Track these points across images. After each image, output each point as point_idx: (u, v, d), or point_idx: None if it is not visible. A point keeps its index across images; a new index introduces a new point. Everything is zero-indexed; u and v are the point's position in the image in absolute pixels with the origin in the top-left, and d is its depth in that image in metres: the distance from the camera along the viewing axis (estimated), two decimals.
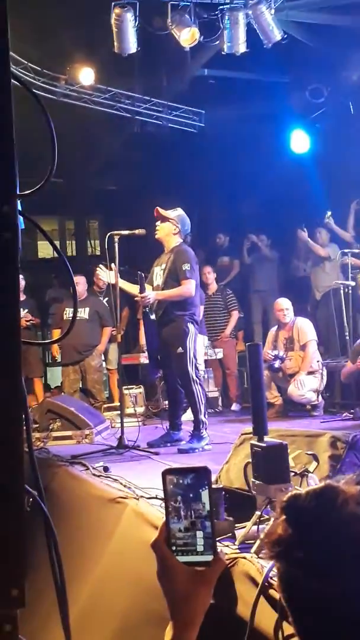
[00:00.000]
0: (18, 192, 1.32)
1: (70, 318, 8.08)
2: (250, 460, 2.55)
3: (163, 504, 1.27)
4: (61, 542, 1.61)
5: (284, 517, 1.01)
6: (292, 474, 2.59)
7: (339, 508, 0.98)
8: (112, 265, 5.45)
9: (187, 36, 7.54)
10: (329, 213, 8.38)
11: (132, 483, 3.71)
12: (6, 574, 1.15)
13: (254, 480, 2.51)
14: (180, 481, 1.17)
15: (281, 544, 1.00)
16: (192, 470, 1.18)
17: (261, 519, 2.54)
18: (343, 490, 1.00)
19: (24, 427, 1.30)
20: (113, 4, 7.54)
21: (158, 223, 5.54)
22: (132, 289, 5.51)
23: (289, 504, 1.02)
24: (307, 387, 6.76)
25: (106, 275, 5.50)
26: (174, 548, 1.16)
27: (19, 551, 1.18)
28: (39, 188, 1.62)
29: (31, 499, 1.47)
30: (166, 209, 5.57)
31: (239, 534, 2.56)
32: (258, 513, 2.48)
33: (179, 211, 5.65)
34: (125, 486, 3.71)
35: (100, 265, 5.62)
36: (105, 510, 3.60)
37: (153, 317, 5.47)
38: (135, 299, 5.54)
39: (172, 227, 5.54)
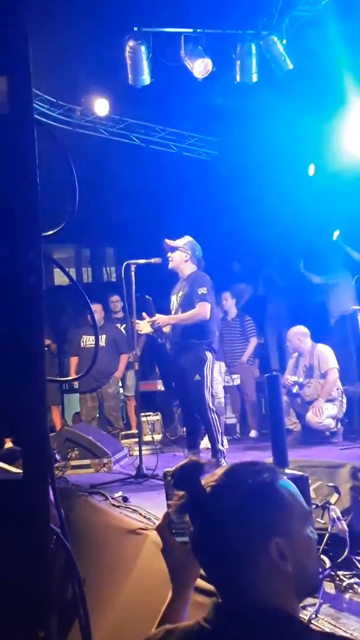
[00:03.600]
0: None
1: (88, 346, 8.17)
2: None
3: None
4: (81, 574, 1.62)
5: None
6: (314, 506, 2.58)
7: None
8: (144, 314, 5.44)
9: (200, 67, 7.64)
10: (337, 232, 8.43)
11: (152, 513, 3.70)
12: (33, 616, 1.16)
13: None
14: None
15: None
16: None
17: None
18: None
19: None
20: (127, 37, 7.67)
21: (169, 254, 5.59)
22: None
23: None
24: (325, 414, 6.72)
25: (144, 326, 5.43)
26: (173, 531, 1.52)
27: (43, 594, 1.19)
28: (61, 229, 1.65)
29: (54, 537, 1.49)
30: (176, 238, 5.62)
31: None
32: None
33: (188, 238, 5.69)
34: (144, 517, 3.70)
35: (135, 320, 5.48)
36: (125, 541, 3.58)
37: (161, 341, 5.48)
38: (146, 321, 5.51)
39: (182, 255, 5.58)
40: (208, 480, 1.32)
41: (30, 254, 1.21)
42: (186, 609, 1.55)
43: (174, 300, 5.61)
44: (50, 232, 1.56)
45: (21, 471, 1.21)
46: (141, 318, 5.45)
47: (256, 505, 1.24)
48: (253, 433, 8.26)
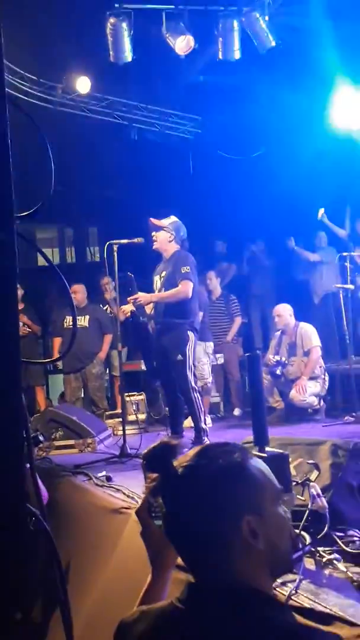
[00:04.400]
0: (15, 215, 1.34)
1: (71, 326, 8.15)
2: None
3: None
4: (64, 553, 1.64)
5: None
6: (294, 483, 2.61)
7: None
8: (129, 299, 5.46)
9: (182, 44, 7.57)
10: (322, 210, 8.44)
11: (135, 493, 3.73)
12: (9, 598, 1.17)
13: None
14: None
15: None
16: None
17: None
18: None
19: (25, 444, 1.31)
20: (108, 13, 7.57)
21: (154, 233, 5.56)
22: None
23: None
24: (309, 391, 6.77)
25: (127, 307, 5.48)
26: (152, 514, 1.53)
27: (19, 575, 1.19)
28: (37, 210, 1.64)
29: (33, 518, 1.49)
30: (161, 218, 5.60)
31: None
32: None
33: (173, 218, 5.67)
34: (128, 496, 3.72)
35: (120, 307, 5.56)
36: (108, 520, 3.61)
37: (143, 319, 5.47)
38: (127, 300, 5.52)
39: (167, 235, 5.56)
40: (180, 461, 1.33)
41: (2, 236, 1.19)
42: (166, 591, 1.57)
43: (157, 280, 5.60)
44: (25, 214, 1.54)
45: None
46: (125, 298, 5.46)
47: (227, 484, 1.25)
48: (237, 411, 8.31)
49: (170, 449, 1.35)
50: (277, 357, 6.94)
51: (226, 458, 1.28)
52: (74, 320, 2.04)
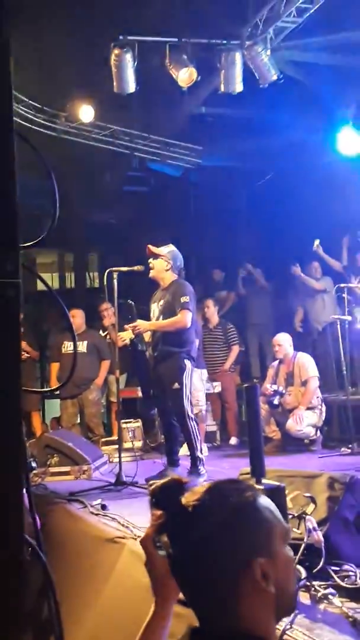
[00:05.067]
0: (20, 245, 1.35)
1: (69, 352, 8.15)
2: None
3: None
4: (57, 583, 1.62)
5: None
6: (290, 516, 2.60)
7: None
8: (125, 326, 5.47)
9: (185, 76, 7.68)
10: (317, 241, 8.48)
11: (130, 522, 3.70)
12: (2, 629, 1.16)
13: None
14: None
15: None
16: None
17: None
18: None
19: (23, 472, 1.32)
20: (112, 44, 7.69)
21: (151, 260, 5.59)
22: None
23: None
24: (305, 422, 6.75)
25: (127, 334, 5.48)
26: (157, 544, 1.48)
27: (13, 607, 1.19)
28: (39, 241, 1.66)
29: (29, 548, 1.49)
30: (160, 245, 5.63)
31: None
32: None
33: (171, 247, 5.70)
34: (123, 525, 3.70)
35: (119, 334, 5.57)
36: (102, 550, 3.58)
37: (141, 348, 5.47)
38: (126, 328, 5.53)
39: (164, 264, 5.58)
40: (189, 499, 1.29)
41: (8, 266, 1.21)
42: (168, 624, 1.54)
43: (154, 308, 5.61)
44: (30, 244, 1.56)
45: None
46: (124, 325, 5.47)
47: (240, 525, 1.23)
48: (233, 440, 8.28)
49: (180, 486, 1.33)
50: (275, 387, 6.94)
51: (237, 497, 1.26)
52: (75, 345, 2.05)
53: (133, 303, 5.60)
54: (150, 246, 5.59)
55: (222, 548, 1.21)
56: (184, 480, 1.35)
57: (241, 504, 1.25)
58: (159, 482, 1.36)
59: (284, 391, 6.92)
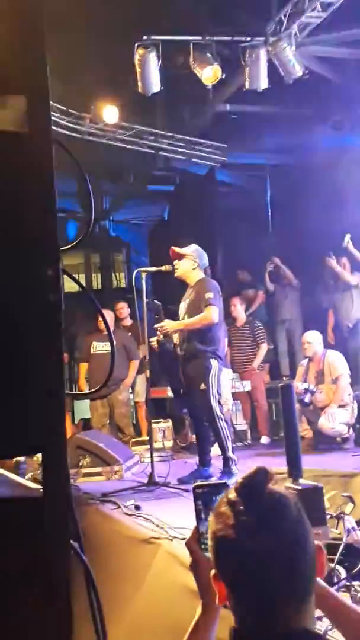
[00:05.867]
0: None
1: (98, 352, 8.17)
2: None
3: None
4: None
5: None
6: (328, 516, 2.57)
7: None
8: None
9: (210, 74, 7.67)
10: (348, 236, 8.34)
11: (164, 522, 3.68)
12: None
13: None
14: (206, 492, 1.52)
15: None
16: (215, 484, 1.58)
17: None
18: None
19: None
20: (136, 45, 7.70)
21: (176, 262, 5.57)
22: None
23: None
24: (338, 419, 6.69)
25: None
26: (202, 546, 1.46)
27: (65, 610, 1.19)
28: (78, 243, 1.66)
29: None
30: (183, 245, 5.62)
31: None
32: None
33: (194, 246, 5.68)
34: (157, 526, 3.69)
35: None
36: (137, 551, 3.57)
37: (169, 347, 5.44)
38: (154, 328, 5.52)
39: (190, 263, 5.56)
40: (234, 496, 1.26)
41: (50, 271, 1.21)
42: (215, 627, 1.51)
43: (182, 307, 5.60)
44: (68, 247, 1.57)
45: (37, 486, 1.21)
46: (152, 325, 5.47)
47: (304, 517, 1.23)
48: (264, 439, 8.23)
49: (268, 475, 1.26)
50: (306, 385, 6.89)
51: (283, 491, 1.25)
52: (112, 346, 2.05)
53: (160, 303, 5.59)
54: (173, 247, 5.59)
55: (308, 536, 1.21)
56: (273, 471, 1.29)
57: (296, 501, 1.25)
58: (245, 474, 1.29)
59: (315, 389, 6.87)
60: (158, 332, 5.45)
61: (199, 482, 1.51)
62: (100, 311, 1.47)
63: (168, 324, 5.38)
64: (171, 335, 5.48)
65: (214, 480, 5.02)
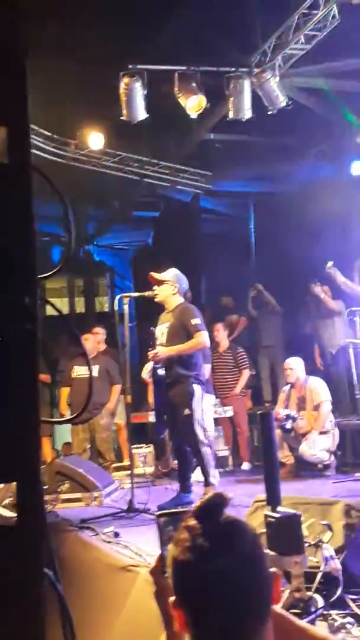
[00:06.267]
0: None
1: (79, 376, 8.14)
2: (263, 530, 2.53)
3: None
4: (70, 612, 1.60)
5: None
6: (306, 544, 2.57)
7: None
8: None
9: (194, 104, 7.77)
10: (331, 263, 8.42)
11: (143, 550, 3.66)
12: None
13: (267, 551, 2.48)
14: (170, 520, 1.52)
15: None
16: (178, 512, 1.55)
17: None
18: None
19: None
20: (122, 73, 7.80)
21: (156, 287, 5.59)
22: None
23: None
24: (319, 446, 6.70)
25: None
26: (166, 574, 1.40)
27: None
28: (57, 271, 1.67)
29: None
30: (162, 270, 5.65)
31: None
32: None
33: (174, 271, 5.71)
34: (136, 553, 3.66)
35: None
36: (116, 579, 3.54)
37: (162, 372, 5.44)
38: (147, 354, 5.52)
39: (171, 288, 5.59)
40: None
41: (27, 300, 1.22)
42: None
43: (161, 330, 5.60)
44: (46, 275, 1.57)
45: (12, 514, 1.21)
46: (146, 352, 5.49)
47: (262, 548, 1.26)
48: (245, 465, 8.21)
49: (224, 500, 1.27)
50: (287, 411, 6.90)
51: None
52: (90, 371, 2.06)
53: (154, 330, 5.60)
54: (152, 274, 5.62)
55: (263, 560, 1.22)
56: (228, 496, 1.30)
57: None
58: (202, 499, 1.30)
59: (296, 415, 6.88)
60: (150, 359, 5.45)
61: (162, 511, 1.51)
62: (78, 337, 1.47)
63: (161, 351, 5.38)
64: (163, 362, 5.47)
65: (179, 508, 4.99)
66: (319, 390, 6.95)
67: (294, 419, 6.85)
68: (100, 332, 8.74)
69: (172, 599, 1.25)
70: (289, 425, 6.81)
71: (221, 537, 1.20)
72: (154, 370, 5.47)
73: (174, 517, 1.53)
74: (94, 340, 8.38)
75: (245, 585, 1.17)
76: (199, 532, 1.21)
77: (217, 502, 1.26)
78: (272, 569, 1.25)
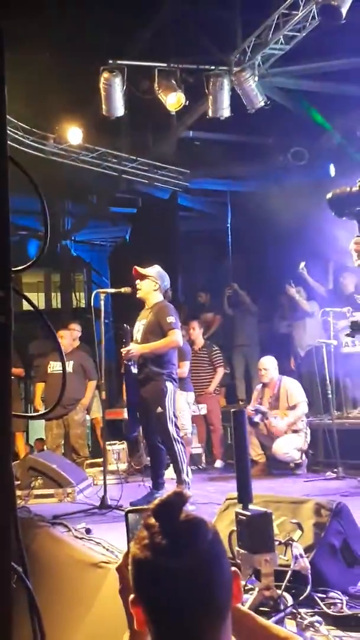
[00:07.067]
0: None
1: (55, 372, 8.10)
2: (234, 528, 2.54)
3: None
4: (40, 607, 1.60)
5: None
6: (277, 542, 2.59)
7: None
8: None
9: (174, 100, 7.77)
10: (303, 264, 8.49)
11: (115, 547, 3.66)
12: None
13: (238, 549, 2.50)
14: (138, 517, 1.50)
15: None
16: (146, 509, 1.43)
17: (245, 588, 2.53)
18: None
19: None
20: (102, 68, 7.77)
21: (138, 282, 5.59)
22: None
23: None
24: (291, 445, 6.75)
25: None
26: None
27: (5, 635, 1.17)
28: (32, 265, 1.66)
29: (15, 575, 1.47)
30: (146, 266, 5.64)
31: None
32: (242, 583, 2.45)
33: (157, 268, 5.70)
34: (107, 549, 3.66)
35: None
36: (87, 575, 3.53)
37: (135, 370, 5.44)
38: (121, 352, 5.51)
39: (152, 284, 5.58)
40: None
41: (0, 293, 1.21)
42: None
43: (138, 327, 5.60)
44: (21, 268, 1.56)
45: None
46: (120, 349, 5.45)
47: (222, 545, 1.25)
48: (218, 463, 8.25)
49: (184, 498, 1.27)
50: (256, 405, 6.94)
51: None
52: (64, 367, 2.05)
53: (129, 327, 5.58)
54: (136, 267, 5.60)
55: (223, 557, 1.22)
56: (187, 494, 1.29)
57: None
58: (161, 497, 1.29)
59: (265, 410, 6.92)
60: (123, 355, 5.42)
61: (130, 507, 1.51)
62: (53, 333, 1.46)
63: (134, 348, 5.37)
64: (136, 359, 5.45)
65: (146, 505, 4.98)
66: (294, 391, 7.01)
67: (263, 413, 6.89)
68: (76, 329, 8.70)
69: (131, 596, 1.24)
70: (257, 418, 6.84)
71: (179, 535, 1.20)
72: (127, 367, 5.45)
73: (143, 514, 1.54)
74: (70, 336, 8.34)
75: (203, 584, 1.17)
76: (157, 530, 1.21)
77: (176, 501, 1.25)
78: (233, 568, 1.24)
